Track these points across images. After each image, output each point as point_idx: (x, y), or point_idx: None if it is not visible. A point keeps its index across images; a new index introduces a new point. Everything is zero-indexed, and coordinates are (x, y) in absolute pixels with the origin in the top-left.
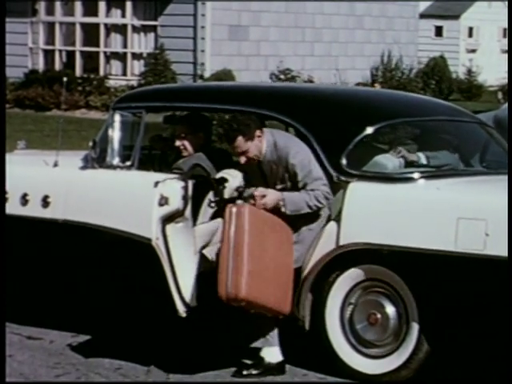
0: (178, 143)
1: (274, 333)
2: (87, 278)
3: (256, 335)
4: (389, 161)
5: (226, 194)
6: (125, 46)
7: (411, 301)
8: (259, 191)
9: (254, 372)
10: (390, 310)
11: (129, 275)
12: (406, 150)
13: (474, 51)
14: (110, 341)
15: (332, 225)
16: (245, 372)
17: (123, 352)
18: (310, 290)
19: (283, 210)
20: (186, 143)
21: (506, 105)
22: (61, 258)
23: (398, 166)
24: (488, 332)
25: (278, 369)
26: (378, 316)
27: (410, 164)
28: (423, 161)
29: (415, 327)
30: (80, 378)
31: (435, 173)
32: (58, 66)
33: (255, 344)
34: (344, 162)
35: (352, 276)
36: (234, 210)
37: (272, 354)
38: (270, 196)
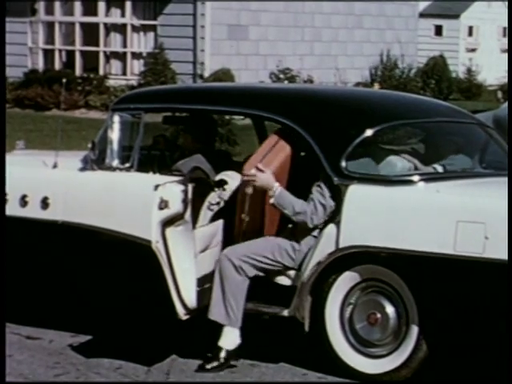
0: (180, 143)
1: (239, 314)
2: (86, 278)
3: (219, 310)
4: (399, 161)
5: (226, 196)
6: (124, 46)
7: (411, 301)
8: (262, 164)
9: (215, 364)
10: (390, 309)
11: (128, 276)
12: (418, 160)
13: (473, 50)
14: (109, 341)
15: (332, 227)
16: (208, 366)
17: (123, 352)
18: (310, 292)
19: (270, 194)
20: (185, 144)
21: (506, 104)
22: (60, 259)
23: (408, 168)
24: (487, 334)
25: (237, 353)
26: (378, 316)
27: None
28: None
29: (415, 327)
30: (79, 377)
31: (435, 175)
32: (57, 65)
33: (217, 319)
34: (343, 164)
35: (351, 276)
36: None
37: (231, 339)
38: (266, 176)
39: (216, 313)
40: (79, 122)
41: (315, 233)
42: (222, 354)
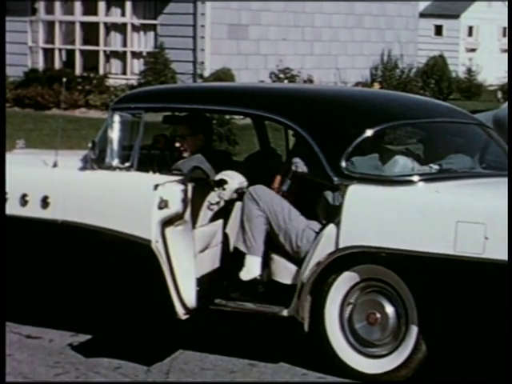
0: (177, 144)
1: (256, 244)
2: (86, 278)
3: (239, 239)
4: (399, 162)
5: (226, 196)
6: (124, 45)
7: (410, 300)
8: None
9: (233, 295)
10: (389, 309)
11: (128, 276)
12: (417, 160)
13: (473, 50)
14: (109, 340)
15: (331, 227)
16: (232, 294)
17: (123, 351)
18: (309, 292)
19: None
20: (186, 144)
21: (506, 104)
22: (60, 259)
23: (408, 168)
24: (487, 334)
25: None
26: (378, 316)
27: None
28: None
29: (414, 327)
30: (79, 377)
31: (434, 175)
32: (57, 64)
33: (237, 246)
34: (343, 164)
35: (351, 276)
36: None
37: (248, 268)
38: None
39: (237, 241)
40: (79, 121)
41: (317, 229)
42: (239, 284)
